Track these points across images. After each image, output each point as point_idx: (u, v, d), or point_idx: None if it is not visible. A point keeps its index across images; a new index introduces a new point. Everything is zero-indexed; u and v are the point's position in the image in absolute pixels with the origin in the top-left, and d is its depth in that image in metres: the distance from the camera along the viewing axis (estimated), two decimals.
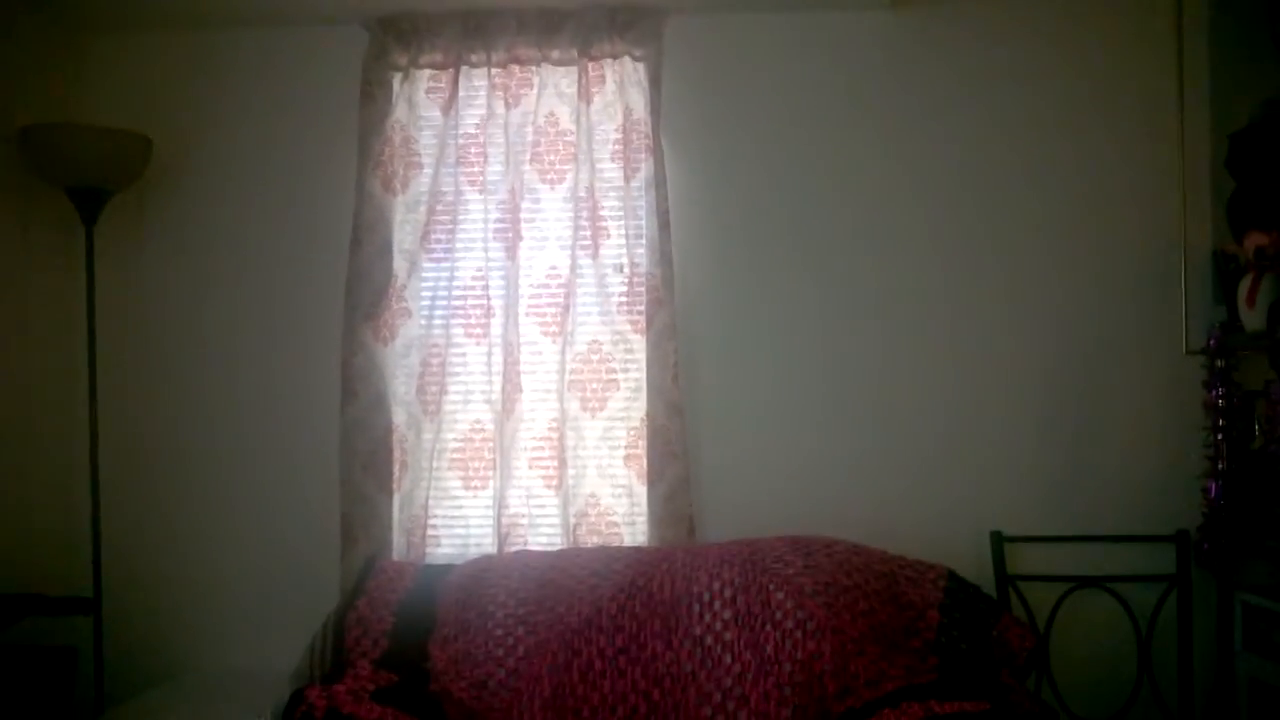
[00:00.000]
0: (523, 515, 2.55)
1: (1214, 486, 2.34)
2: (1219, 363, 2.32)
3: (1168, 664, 2.43)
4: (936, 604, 2.11)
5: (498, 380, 2.53)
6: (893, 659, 1.96)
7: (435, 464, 2.56)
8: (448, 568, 2.27)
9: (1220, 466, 2.33)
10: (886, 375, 2.57)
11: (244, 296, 2.68)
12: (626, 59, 2.54)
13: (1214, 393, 2.32)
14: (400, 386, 2.57)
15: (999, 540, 2.46)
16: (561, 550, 2.28)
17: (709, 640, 2.00)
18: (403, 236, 2.57)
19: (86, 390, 2.53)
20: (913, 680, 1.85)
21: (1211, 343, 2.32)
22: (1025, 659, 2.08)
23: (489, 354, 2.55)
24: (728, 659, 1.98)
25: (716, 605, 2.04)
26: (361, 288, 2.52)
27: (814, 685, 1.92)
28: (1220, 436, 2.33)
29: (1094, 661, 2.47)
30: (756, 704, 1.93)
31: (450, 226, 2.56)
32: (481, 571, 2.21)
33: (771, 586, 2.04)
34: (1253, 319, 2.22)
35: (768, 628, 1.99)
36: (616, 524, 2.56)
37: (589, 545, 2.48)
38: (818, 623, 1.98)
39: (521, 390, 2.54)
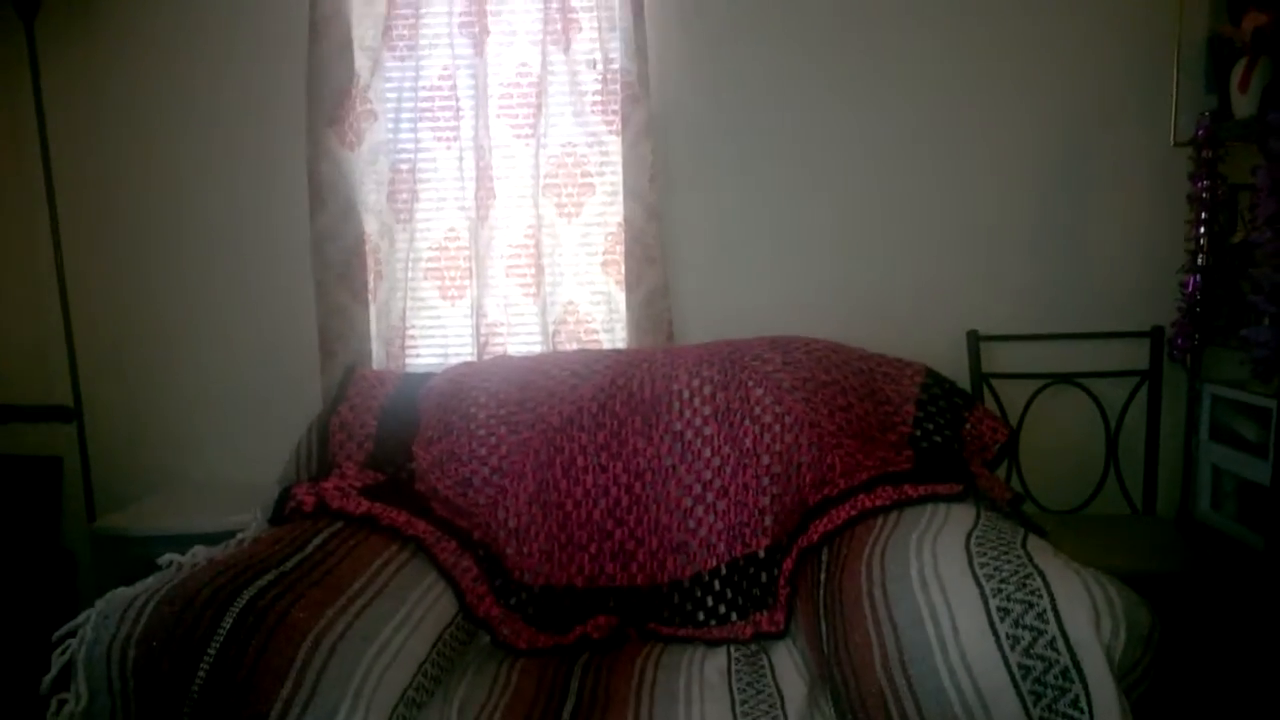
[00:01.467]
0: (501, 324, 2.53)
1: (1191, 281, 2.34)
2: (1206, 153, 2.27)
3: (1135, 458, 2.50)
4: (913, 399, 2.13)
5: (470, 185, 2.45)
6: (869, 451, 1.99)
7: (410, 273, 2.52)
8: (428, 374, 2.26)
9: (1200, 261, 2.33)
10: (867, 176, 2.51)
11: (204, 101, 2.55)
12: None
13: (1199, 185, 2.29)
14: (370, 194, 2.48)
15: (975, 339, 2.47)
16: (541, 354, 2.27)
17: (689, 435, 2.03)
18: (363, 32, 2.42)
19: (45, 201, 2.45)
20: (887, 470, 1.89)
21: (1200, 132, 2.27)
22: (996, 451, 2.12)
23: (460, 158, 2.46)
24: (707, 453, 2.01)
25: (696, 402, 2.05)
26: (322, 88, 2.39)
27: (791, 476, 1.96)
28: (1202, 230, 2.32)
29: (1062, 456, 2.54)
30: (736, 494, 1.98)
31: (413, 20, 2.42)
32: (462, 376, 2.21)
33: (750, 383, 2.05)
34: (1244, 104, 2.16)
35: (746, 423, 2.02)
36: (595, 331, 2.56)
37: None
38: (795, 417, 2.00)
39: (495, 196, 2.47)
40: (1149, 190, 2.46)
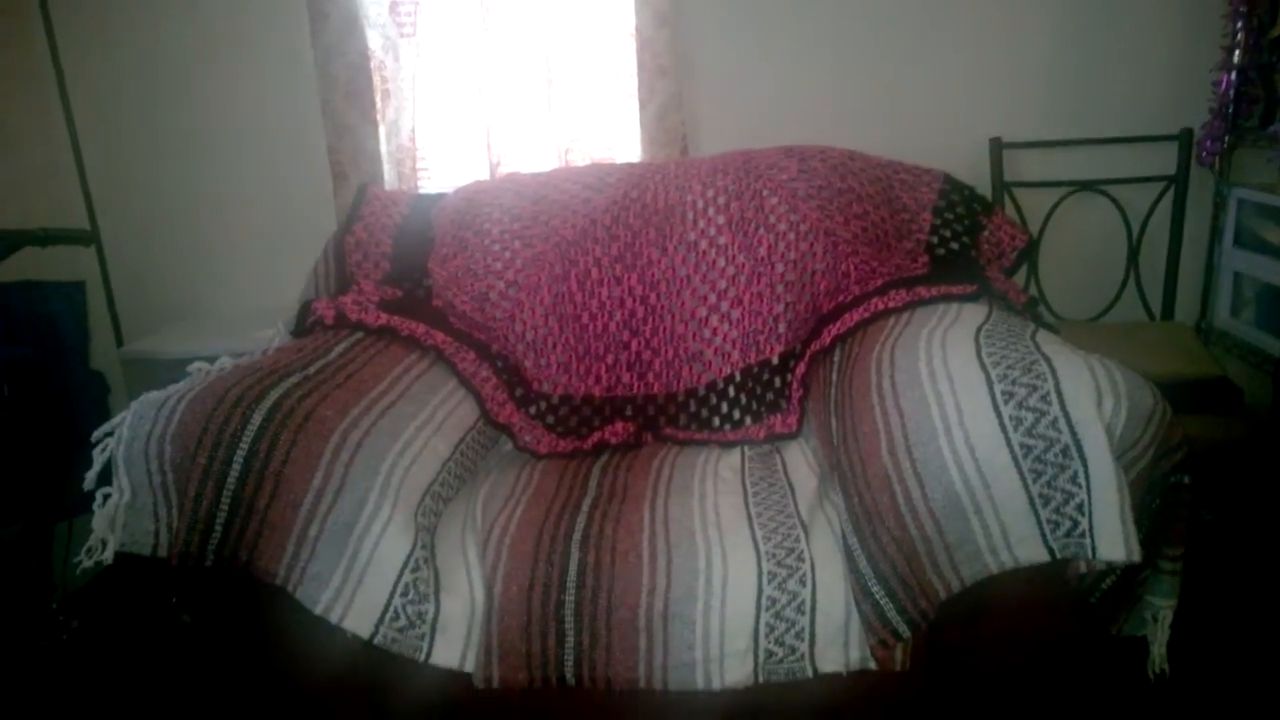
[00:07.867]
0: (512, 142, 2.49)
1: (1225, 79, 2.25)
2: None
3: (1155, 267, 2.47)
4: (930, 206, 2.10)
5: None
6: (884, 258, 1.98)
7: (418, 91, 2.47)
8: (440, 194, 2.25)
9: (1235, 59, 2.23)
10: None
11: None
12: None
13: None
14: (371, 7, 2.41)
15: (998, 147, 2.41)
16: (554, 170, 2.24)
17: (703, 245, 2.02)
18: None
19: (43, 30, 2.41)
20: (902, 275, 1.88)
21: None
22: (1015, 258, 2.10)
23: None
24: (721, 262, 2.01)
25: (710, 211, 2.03)
26: None
27: (806, 284, 1.96)
28: (1239, 24, 2.21)
29: (1082, 265, 2.52)
30: (750, 303, 1.99)
31: None
32: (475, 194, 2.19)
33: (765, 191, 2.03)
34: None
35: (761, 231, 2.00)
36: (608, 148, 2.52)
37: None
38: (811, 225, 1.98)
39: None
40: None
